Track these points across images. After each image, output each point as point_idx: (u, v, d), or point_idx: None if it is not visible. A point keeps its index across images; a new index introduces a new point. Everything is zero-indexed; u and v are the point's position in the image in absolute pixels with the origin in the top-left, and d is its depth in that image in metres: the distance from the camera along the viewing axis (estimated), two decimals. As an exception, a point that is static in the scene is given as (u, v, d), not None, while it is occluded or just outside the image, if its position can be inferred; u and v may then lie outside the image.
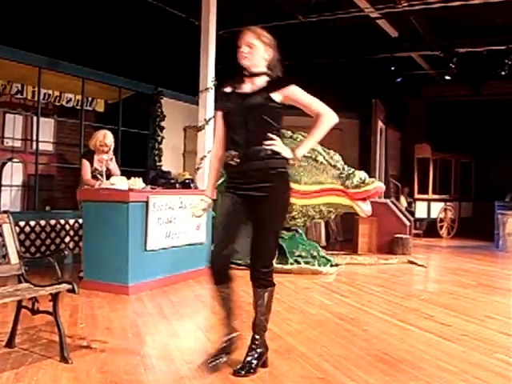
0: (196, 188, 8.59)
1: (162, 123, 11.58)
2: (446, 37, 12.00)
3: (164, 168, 10.39)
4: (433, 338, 5.28)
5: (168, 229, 7.54)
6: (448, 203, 16.29)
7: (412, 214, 14.83)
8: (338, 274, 8.98)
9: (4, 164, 10.08)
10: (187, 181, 8.44)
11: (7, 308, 5.43)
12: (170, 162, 11.66)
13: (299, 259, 8.92)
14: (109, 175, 7.77)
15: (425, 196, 16.12)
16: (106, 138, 7.89)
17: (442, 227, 15.98)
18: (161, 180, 8.16)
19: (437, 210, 16.02)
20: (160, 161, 11.52)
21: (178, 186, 8.23)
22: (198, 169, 9.12)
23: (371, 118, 13.52)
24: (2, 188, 9.49)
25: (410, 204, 15.80)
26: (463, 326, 5.73)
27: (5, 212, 4.71)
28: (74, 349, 4.55)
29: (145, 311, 6.10)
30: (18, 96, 9.66)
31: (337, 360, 4.50)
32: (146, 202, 7.14)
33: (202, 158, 9.08)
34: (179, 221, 7.76)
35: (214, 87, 9.12)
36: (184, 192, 8.08)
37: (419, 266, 10.11)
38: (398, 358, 4.60)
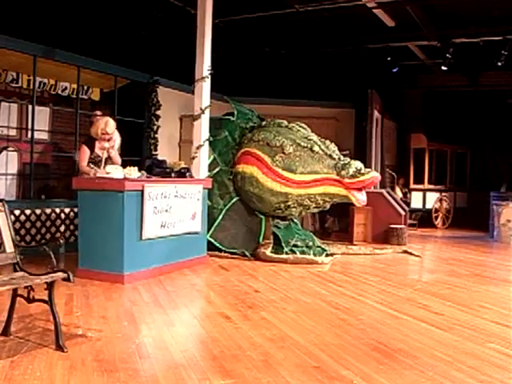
0: (191, 177, 8.58)
1: (158, 112, 11.55)
2: (443, 27, 11.96)
3: (160, 157, 10.37)
4: (427, 327, 5.30)
5: (163, 218, 7.54)
6: (443, 193, 16.34)
7: (407, 204, 14.85)
8: (333, 263, 9.01)
9: (-1, 152, 10.07)
10: (183, 170, 8.43)
11: (3, 297, 5.44)
12: (165, 151, 11.64)
13: (294, 249, 8.94)
14: (109, 163, 7.76)
15: (420, 186, 16.16)
16: (107, 125, 7.87)
17: (437, 217, 16.02)
18: (156, 169, 8.15)
19: (432, 200, 16.06)
20: (156, 150, 11.50)
21: (173, 175, 8.22)
22: (193, 158, 9.10)
23: (367, 108, 13.50)
24: (-3, 176, 9.48)
25: (405, 194, 15.83)
26: (457, 316, 5.76)
27: (0, 200, 4.70)
28: (70, 337, 4.56)
29: (140, 300, 6.11)
30: (14, 84, 9.62)
31: (331, 349, 4.52)
32: (142, 191, 7.14)
33: (197, 147, 9.06)
34: (175, 210, 7.76)
35: (209, 76, 9.09)
36: (180, 181, 8.07)
37: (414, 255, 10.15)
38: (393, 347, 4.62)
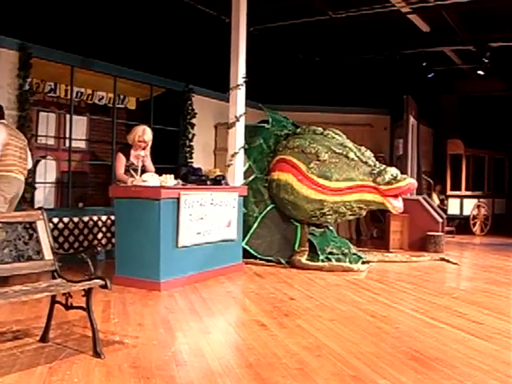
0: (227, 185, 8.61)
1: (193, 120, 11.64)
2: (479, 31, 11.83)
3: (195, 165, 10.43)
4: (465, 336, 5.22)
5: (199, 225, 7.58)
6: (481, 200, 16.08)
7: (444, 211, 14.67)
8: (369, 271, 8.94)
9: (38, 162, 10.20)
10: (218, 177, 8.46)
11: (41, 303, 5.53)
12: (200, 159, 11.71)
13: (330, 256, 8.90)
14: (144, 171, 7.84)
15: (457, 193, 15.95)
16: (145, 133, 7.96)
17: (474, 224, 15.78)
18: (192, 177, 8.20)
19: (470, 206, 15.82)
20: (191, 158, 11.57)
21: (209, 182, 8.26)
22: (228, 165, 9.13)
23: (403, 114, 13.39)
24: (36, 185, 9.60)
25: (442, 201, 15.65)
26: (496, 325, 5.66)
27: (39, 209, 4.79)
28: (107, 344, 4.61)
29: (176, 307, 6.14)
30: (52, 94, 9.77)
31: (368, 357, 4.48)
32: (178, 199, 7.18)
33: (232, 155, 9.08)
34: (210, 217, 7.79)
35: (244, 84, 9.12)
36: (215, 189, 8.11)
37: (452, 263, 10.01)
38: (430, 356, 4.56)
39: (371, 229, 14.14)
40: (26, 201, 8.20)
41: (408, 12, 10.69)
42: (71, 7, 9.88)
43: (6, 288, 4.22)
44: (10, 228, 4.44)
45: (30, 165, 7.50)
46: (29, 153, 7.44)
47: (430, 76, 14.20)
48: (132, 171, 7.83)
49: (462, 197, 15.93)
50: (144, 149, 8.01)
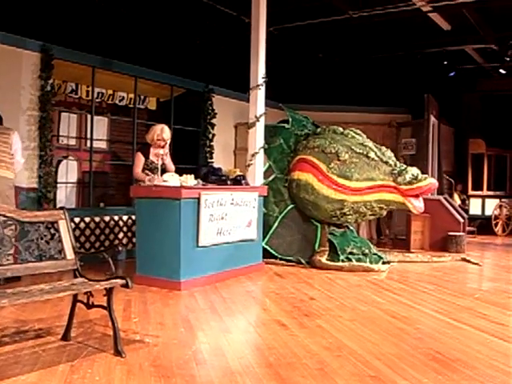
0: (247, 184, 8.62)
1: (213, 120, 11.67)
2: (501, 29, 11.71)
3: (215, 165, 10.46)
4: (487, 337, 5.18)
5: (219, 225, 7.60)
6: (503, 200, 15.91)
7: (466, 211, 14.55)
8: (389, 271, 8.90)
9: (59, 162, 10.32)
10: (238, 177, 8.48)
11: (63, 302, 5.59)
12: (221, 159, 11.74)
13: (350, 256, 8.87)
14: (164, 170, 7.87)
15: (479, 192, 15.82)
16: (163, 131, 8.02)
17: (496, 224, 15.63)
18: (212, 177, 8.22)
19: (491, 206, 15.68)
20: (211, 158, 11.61)
21: (229, 182, 8.28)
22: (248, 165, 9.13)
23: (423, 114, 13.31)
24: (58, 185, 9.70)
25: (463, 201, 15.53)
26: (519, 326, 5.61)
27: (61, 208, 4.83)
28: (128, 342, 4.64)
29: (197, 307, 6.16)
30: (73, 95, 9.86)
31: (389, 358, 4.46)
32: (198, 199, 7.21)
33: (253, 155, 9.08)
34: (230, 217, 7.81)
35: (264, 84, 9.11)
36: (235, 189, 8.12)
37: (473, 264, 9.93)
38: (451, 357, 4.53)
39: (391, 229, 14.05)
40: (47, 201, 8.29)
41: (429, 11, 10.61)
42: (92, 9, 9.95)
43: (29, 287, 4.26)
44: (33, 227, 4.48)
45: (17, 156, 7.24)
46: (14, 143, 7.20)
47: (451, 75, 14.10)
48: (151, 170, 7.87)
49: (483, 197, 15.80)
50: (163, 147, 8.05)
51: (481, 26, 11.32)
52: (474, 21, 11.01)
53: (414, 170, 8.49)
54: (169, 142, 8.13)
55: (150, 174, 7.79)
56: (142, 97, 10.75)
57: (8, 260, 4.30)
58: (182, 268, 6.98)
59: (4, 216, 4.31)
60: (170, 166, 8.19)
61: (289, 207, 9.42)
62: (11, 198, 7.10)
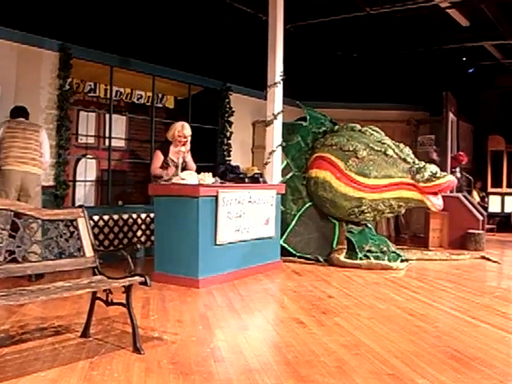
0: (265, 182, 8.62)
1: (231, 118, 11.69)
2: (520, 25, 11.61)
3: (233, 163, 10.47)
4: (506, 335, 5.14)
5: (237, 223, 7.61)
6: (523, 197, 15.78)
7: (485, 208, 14.44)
8: (408, 269, 8.86)
9: (78, 160, 10.40)
10: (256, 175, 8.48)
11: (82, 299, 5.63)
12: (238, 157, 11.76)
13: (369, 254, 8.83)
14: (184, 168, 7.88)
15: (498, 190, 15.70)
16: (184, 128, 8.04)
17: (516, 222, 15.51)
18: (230, 175, 8.23)
19: (511, 204, 15.54)
20: (229, 156, 11.63)
21: (247, 180, 8.29)
22: (266, 163, 9.13)
23: (442, 111, 13.22)
24: (77, 183, 9.77)
25: (482, 198, 15.41)
26: (539, 324, 5.57)
27: (80, 206, 4.86)
28: (146, 340, 4.66)
29: (215, 304, 6.18)
30: (91, 94, 9.93)
31: (407, 356, 4.45)
32: (216, 197, 7.22)
33: (270, 153, 9.07)
34: (248, 215, 7.82)
35: (281, 81, 9.10)
36: (253, 187, 8.13)
37: (493, 261, 9.86)
38: (470, 355, 4.50)
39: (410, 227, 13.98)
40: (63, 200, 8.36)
41: (447, 7, 10.54)
42: (110, 8, 10.01)
43: (48, 284, 4.30)
44: (52, 225, 4.52)
45: (46, 157, 7.49)
46: (44, 143, 7.42)
47: (470, 71, 13.99)
48: (172, 166, 7.89)
49: (503, 194, 15.68)
50: (184, 144, 8.06)
51: (500, 21, 11.21)
52: (493, 16, 10.91)
53: (432, 168, 8.44)
54: (189, 139, 8.14)
55: (170, 168, 7.82)
56: (160, 95, 10.80)
57: (29, 257, 4.34)
58: (200, 266, 7.00)
59: (24, 214, 4.35)
60: (191, 164, 8.21)
61: (307, 205, 9.42)
62: (39, 194, 7.26)
